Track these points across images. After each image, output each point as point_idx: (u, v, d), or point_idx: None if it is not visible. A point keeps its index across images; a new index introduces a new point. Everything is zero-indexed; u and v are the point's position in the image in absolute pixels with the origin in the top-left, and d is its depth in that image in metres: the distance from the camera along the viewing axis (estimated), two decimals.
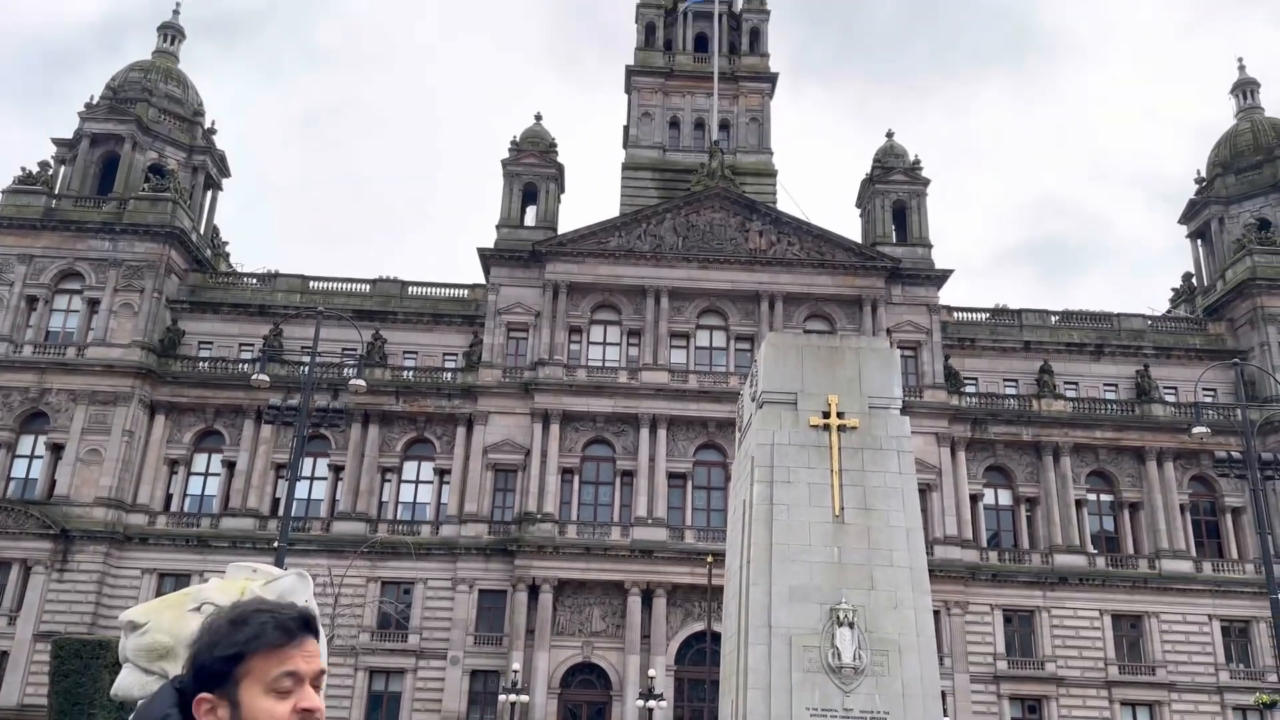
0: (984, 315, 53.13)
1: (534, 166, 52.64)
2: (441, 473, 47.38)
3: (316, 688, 1.88)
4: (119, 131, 50.86)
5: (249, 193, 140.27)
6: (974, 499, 47.27)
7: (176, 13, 57.92)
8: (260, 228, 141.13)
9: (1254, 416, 37.04)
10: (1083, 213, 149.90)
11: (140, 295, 47.60)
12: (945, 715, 26.43)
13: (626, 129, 60.21)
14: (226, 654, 1.81)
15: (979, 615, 44.70)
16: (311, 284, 51.89)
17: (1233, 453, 32.28)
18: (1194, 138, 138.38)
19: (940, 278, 50.55)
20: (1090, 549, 46.84)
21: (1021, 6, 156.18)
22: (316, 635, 1.97)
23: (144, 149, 51.40)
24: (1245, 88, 58.15)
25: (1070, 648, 44.58)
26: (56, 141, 51.49)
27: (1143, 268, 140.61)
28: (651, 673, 40.76)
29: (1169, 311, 55.87)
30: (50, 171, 50.30)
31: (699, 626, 42.42)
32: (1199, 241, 56.75)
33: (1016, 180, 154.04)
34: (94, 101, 51.77)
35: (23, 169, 49.54)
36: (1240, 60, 59.14)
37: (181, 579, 43.50)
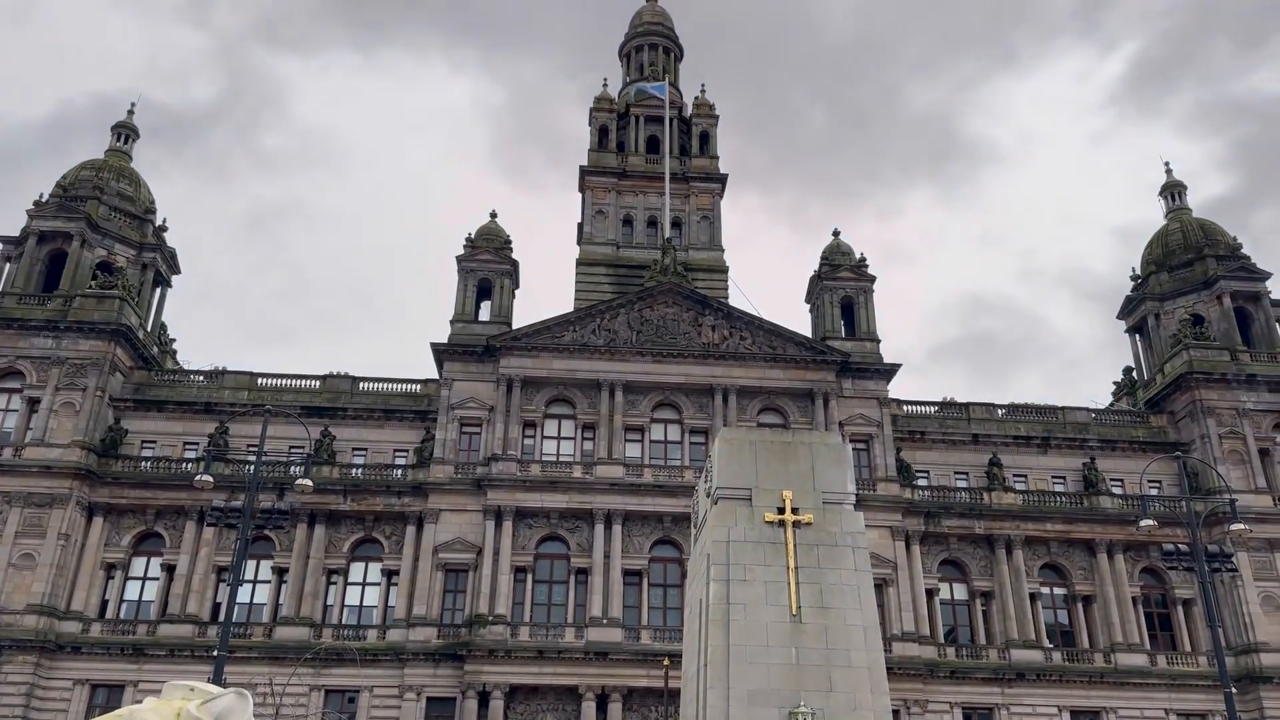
0: (932, 409, 53.95)
1: (488, 263, 53.17)
2: (389, 574, 46.38)
3: None
4: (68, 229, 50.54)
5: (197, 291, 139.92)
6: (930, 593, 47.28)
7: (131, 112, 58.45)
8: (208, 326, 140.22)
9: (1199, 509, 37.71)
10: (1013, 310, 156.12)
11: (83, 394, 46.72)
12: None
13: (580, 226, 61.40)
14: None
15: (938, 714, 44.30)
16: (259, 381, 51.38)
17: (1180, 545, 32.67)
18: (1116, 238, 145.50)
19: (889, 371, 51.49)
20: (1046, 643, 46.81)
21: (943, 118, 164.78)
22: None
23: (93, 246, 51.05)
24: (1173, 189, 60.86)
25: None
26: (2, 239, 50.92)
27: (1075, 363, 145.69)
28: None
29: (1111, 405, 57.29)
30: None
31: None
32: (1137, 336, 58.35)
33: (947, 281, 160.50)
34: (43, 199, 51.52)
35: None
36: (1167, 164, 62.04)
37: (115, 690, 41.84)
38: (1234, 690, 28.18)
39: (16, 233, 50.97)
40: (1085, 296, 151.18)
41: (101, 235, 51.58)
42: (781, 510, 21.72)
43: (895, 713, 32.11)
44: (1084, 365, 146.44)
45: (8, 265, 50.34)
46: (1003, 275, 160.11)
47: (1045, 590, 48.34)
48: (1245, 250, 56.38)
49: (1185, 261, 56.38)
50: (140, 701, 4.45)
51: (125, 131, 57.75)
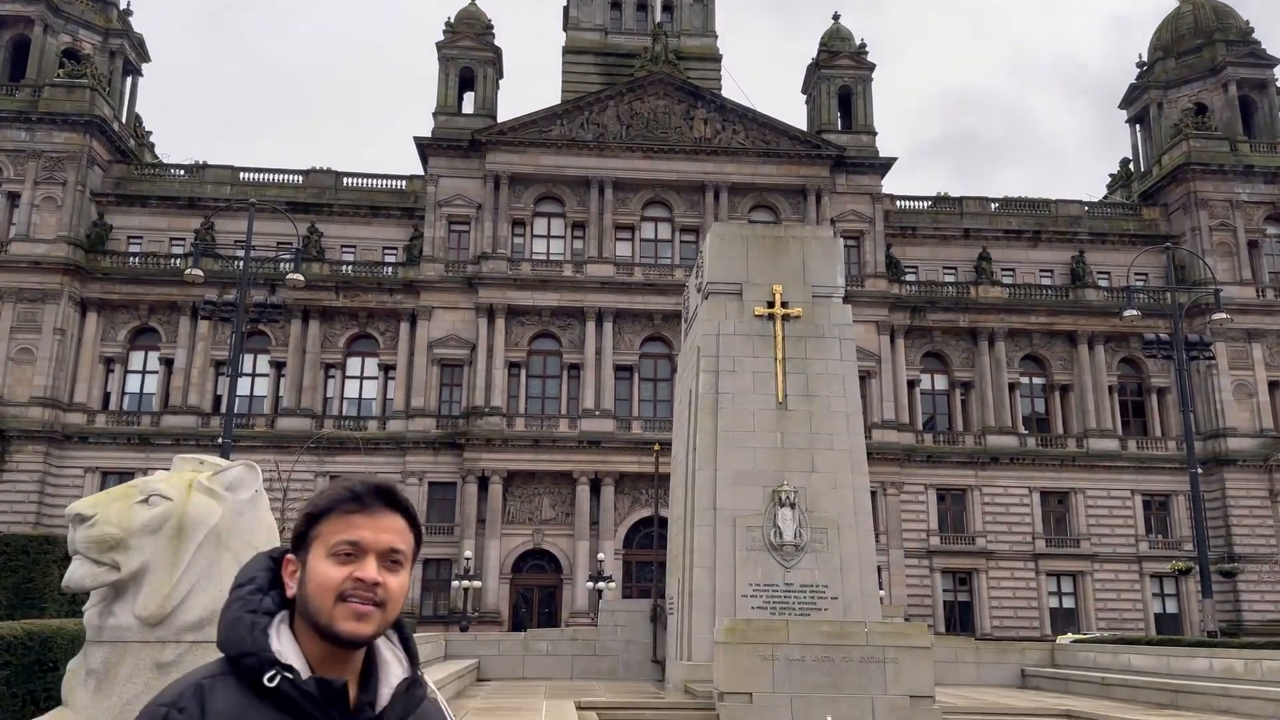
0: (925, 204, 53.73)
1: (470, 50, 51.27)
2: (386, 368, 47.55)
3: (397, 564, 1.80)
4: (27, 13, 48.11)
5: (170, 82, 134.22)
6: (911, 384, 48.81)
7: None
8: (183, 118, 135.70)
9: (1182, 299, 38.36)
10: (1001, 106, 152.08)
11: (63, 188, 46.07)
12: (880, 588, 28.02)
13: (566, 10, 58.60)
14: (305, 513, 1.83)
15: (914, 494, 46.72)
16: (242, 175, 50.61)
17: (1161, 335, 33.65)
18: (1111, 28, 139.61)
19: (884, 165, 50.97)
20: (1021, 430, 48.74)
21: None
22: (401, 512, 1.85)
23: (56, 32, 48.76)
24: None
25: (1000, 523, 46.91)
26: None
27: (1062, 161, 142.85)
28: (600, 557, 42.29)
29: (1106, 198, 56.95)
30: None
31: (646, 512, 43.50)
32: (1137, 127, 57.44)
33: (934, 76, 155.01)
34: None
35: None
36: None
37: (125, 476, 43.16)
38: (1199, 471, 29.73)
39: None
40: (1077, 91, 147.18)
41: (64, 20, 49.16)
42: (771, 304, 22.19)
43: (873, 493, 33.67)
44: (1072, 163, 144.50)
45: None
46: (993, 69, 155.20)
47: (1024, 380, 49.79)
48: (1256, 36, 54.55)
49: (1194, 47, 54.59)
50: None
51: None
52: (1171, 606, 46.41)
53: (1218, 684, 17.79)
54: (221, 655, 1.76)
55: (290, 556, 1.83)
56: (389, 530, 1.80)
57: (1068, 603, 46.55)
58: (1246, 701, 16.44)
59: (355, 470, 44.70)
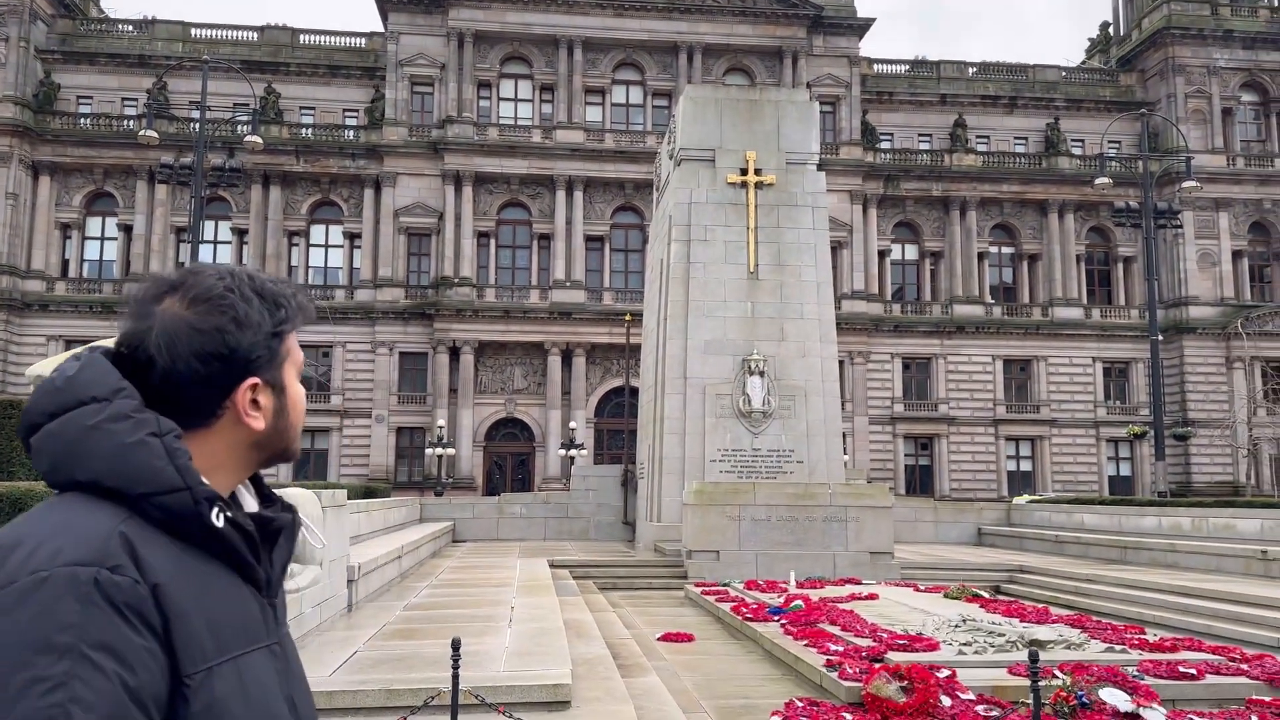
0: (903, 68, 52.76)
1: None
2: (351, 236, 46.97)
3: None
4: None
5: None
6: (882, 254, 48.91)
7: None
8: None
9: (1154, 168, 38.43)
10: None
11: (5, 44, 43.90)
12: (844, 453, 28.79)
13: None
14: (275, 329, 1.54)
15: (880, 363, 47.51)
16: (194, 32, 48.60)
17: (1131, 203, 33.92)
18: None
19: (863, 27, 49.68)
20: (988, 299, 49.30)
21: None
22: None
23: None
24: None
25: (963, 391, 47.96)
26: None
27: (1033, 26, 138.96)
28: (572, 425, 43.02)
29: (1084, 63, 56.15)
30: None
31: (617, 382, 44.08)
32: None
33: None
34: None
35: None
36: None
37: (88, 344, 43.21)
38: (1160, 339, 30.45)
39: None
40: None
41: None
42: (744, 171, 22.07)
43: (840, 362, 34.20)
44: (1052, 28, 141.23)
45: None
46: None
47: (994, 250, 50.08)
48: None
49: None
50: None
51: None
52: (1125, 470, 48.14)
53: (1165, 540, 18.75)
54: (78, 492, 1.39)
55: (256, 380, 1.51)
56: None
57: (1025, 466, 48.10)
58: (1191, 556, 17.37)
59: (325, 341, 44.76)
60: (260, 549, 1.47)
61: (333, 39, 49.80)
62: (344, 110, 48.19)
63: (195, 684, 1.29)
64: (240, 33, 49.18)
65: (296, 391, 1.57)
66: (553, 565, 17.51)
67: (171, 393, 1.45)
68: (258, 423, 1.50)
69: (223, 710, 1.31)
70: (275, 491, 1.62)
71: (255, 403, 1.50)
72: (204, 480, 1.41)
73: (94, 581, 1.24)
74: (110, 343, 1.65)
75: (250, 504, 1.57)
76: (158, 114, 42.02)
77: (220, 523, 1.38)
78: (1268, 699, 8.59)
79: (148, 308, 1.50)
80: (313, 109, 47.98)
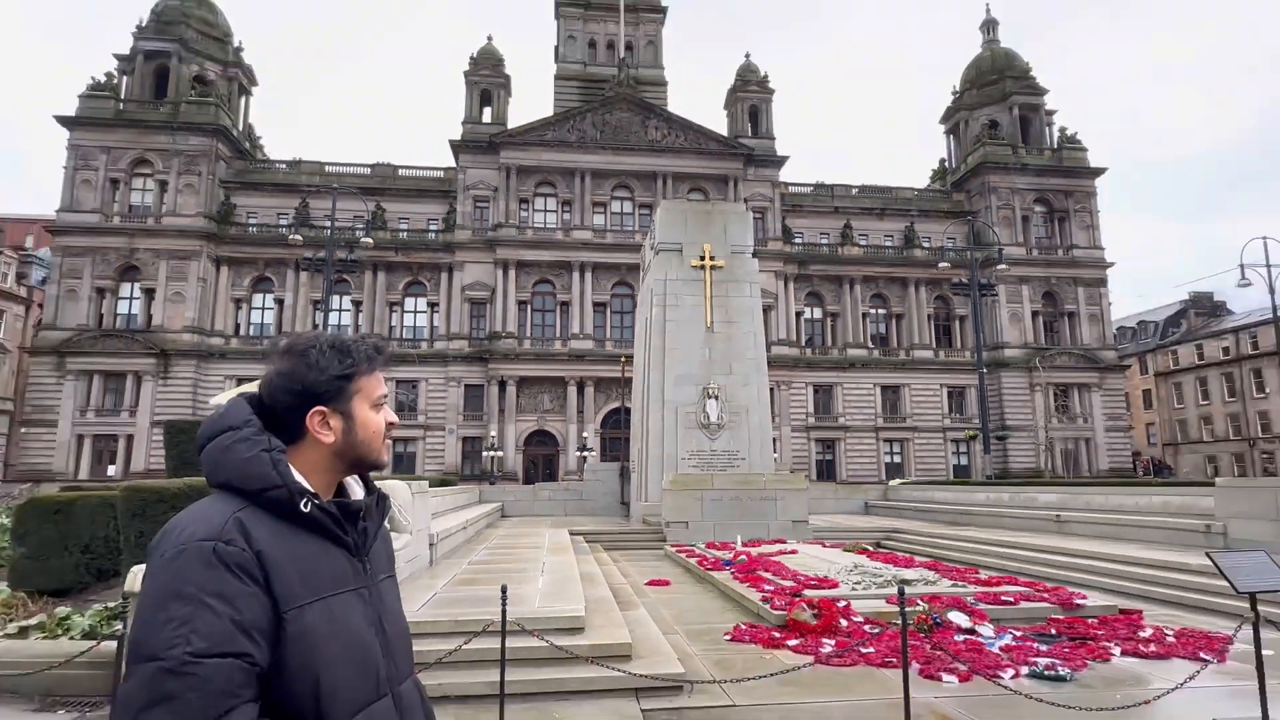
0: (809, 188, 53.39)
1: (488, 77, 49.52)
2: (432, 305, 46.96)
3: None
4: (166, 48, 45.52)
5: (278, 95, 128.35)
6: (798, 314, 49.20)
7: None
8: (284, 123, 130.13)
9: (978, 256, 39.07)
10: (855, 124, 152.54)
11: (199, 178, 44.27)
12: (774, 452, 28.68)
13: (557, 49, 56.56)
14: (340, 372, 1.51)
15: (797, 389, 47.60)
16: (326, 167, 48.92)
17: (962, 279, 34.34)
18: (928, 75, 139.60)
19: (780, 161, 50.45)
20: (869, 345, 49.49)
21: None
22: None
23: (188, 62, 46.18)
24: (989, 25, 57.12)
25: (853, 408, 48.04)
26: (117, 57, 45.77)
27: (896, 161, 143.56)
28: (584, 434, 42.85)
29: (928, 186, 57.02)
30: (115, 81, 45.05)
31: (616, 405, 43.92)
32: (951, 137, 57.01)
33: (798, 101, 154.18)
34: (143, 24, 45.91)
35: (92, 79, 44.17)
36: (988, 5, 57.87)
37: (253, 380, 43.00)
38: (985, 371, 30.64)
39: (127, 52, 45.80)
40: (897, 118, 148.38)
41: (193, 54, 46.53)
42: (702, 258, 22.19)
43: (771, 389, 34.24)
44: (901, 162, 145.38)
45: (125, 79, 45.59)
46: (836, 100, 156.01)
47: (873, 310, 50.30)
48: (1033, 74, 54.27)
49: (990, 81, 54.20)
50: None
51: None
52: (964, 461, 48.22)
53: (991, 509, 18.77)
54: (218, 491, 1.43)
55: (321, 409, 1.49)
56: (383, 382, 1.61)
57: (897, 459, 48.12)
58: (1009, 519, 17.40)
59: (413, 377, 44.65)
60: (345, 525, 1.47)
61: (420, 171, 50.11)
62: (428, 219, 48.46)
63: (291, 616, 1.33)
64: (358, 168, 49.53)
65: (364, 417, 1.51)
66: (572, 533, 17.39)
67: (276, 419, 1.48)
68: (326, 438, 1.49)
69: (313, 632, 1.34)
70: (376, 484, 1.62)
71: (326, 424, 1.49)
72: (301, 480, 1.44)
73: (213, 550, 1.29)
74: (255, 386, 1.72)
75: (358, 493, 1.56)
76: (301, 224, 42.30)
77: (307, 509, 1.40)
78: (1061, 617, 8.63)
79: (270, 363, 1.56)
80: (406, 219, 48.22)
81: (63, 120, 43.40)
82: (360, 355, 1.54)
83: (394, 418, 1.58)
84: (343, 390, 1.51)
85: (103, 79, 44.88)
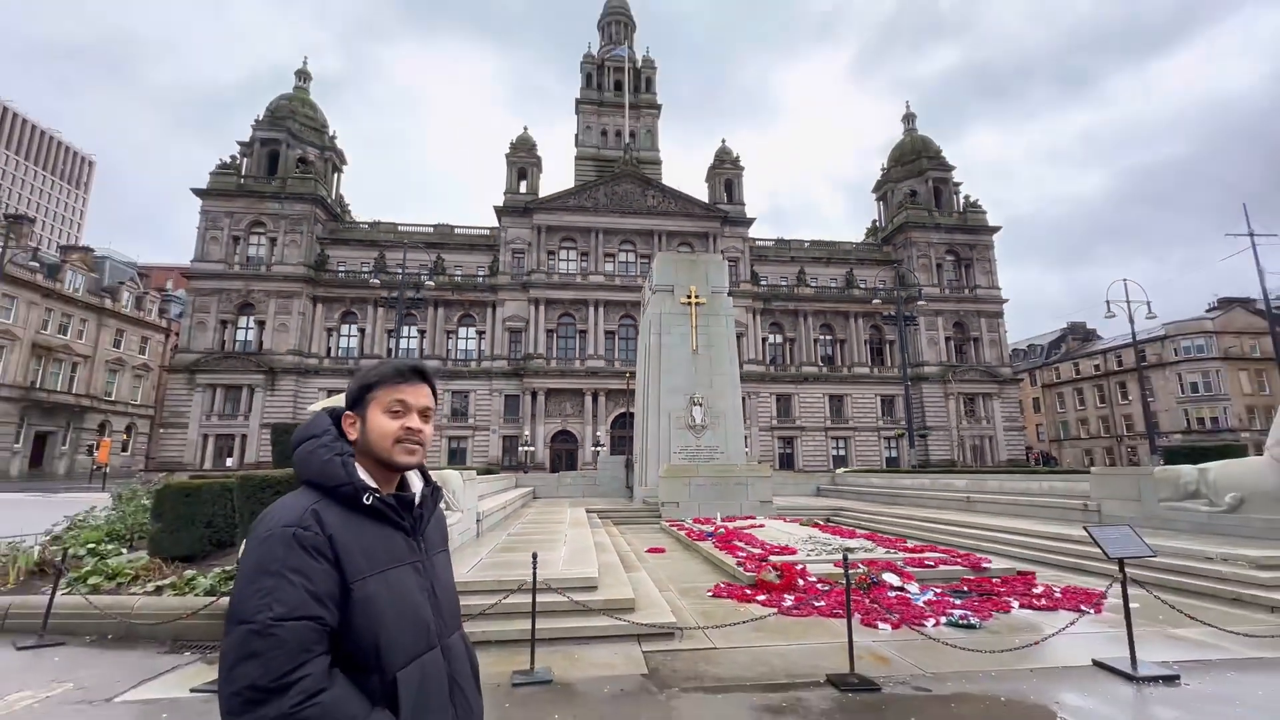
0: (771, 242, 53.53)
1: (524, 158, 49.97)
2: (480, 334, 46.88)
3: (428, 417, 1.50)
4: (277, 136, 46.02)
5: (361, 168, 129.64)
6: (764, 340, 49.08)
7: (305, 63, 51.39)
8: (366, 189, 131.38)
9: (903, 294, 39.19)
10: (806, 196, 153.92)
11: (300, 235, 44.48)
12: (746, 447, 28.51)
13: (576, 136, 57.29)
14: (361, 384, 1.50)
15: (764, 398, 47.34)
16: (399, 226, 49.19)
17: (890, 314, 34.36)
18: (858, 155, 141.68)
19: (749, 221, 50.63)
20: (820, 364, 49.24)
21: (758, 85, 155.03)
22: (428, 383, 1.55)
23: (293, 147, 46.70)
24: (909, 118, 57.78)
25: (808, 413, 47.68)
26: (240, 143, 46.28)
27: (833, 222, 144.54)
28: (598, 434, 42.61)
29: (864, 240, 57.22)
30: (237, 161, 45.55)
31: (622, 410, 43.75)
32: (881, 203, 57.16)
33: (761, 178, 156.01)
34: (260, 119, 46.57)
35: (220, 160, 44.71)
36: (908, 102, 58.54)
37: (340, 393, 42.75)
38: (910, 384, 30.50)
39: (247, 139, 46.38)
40: (839, 188, 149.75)
41: (298, 141, 47.04)
42: (689, 297, 22.19)
43: (743, 398, 34.44)
44: (845, 221, 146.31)
45: (246, 160, 46.05)
46: (792, 174, 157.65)
47: (822, 337, 50.03)
48: (944, 155, 54.74)
49: (911, 159, 54.61)
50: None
51: (305, 75, 51.13)
52: (894, 454, 47.82)
53: (916, 492, 18.59)
54: (304, 485, 1.41)
55: (350, 414, 1.48)
56: (424, 396, 1.52)
57: (841, 453, 47.70)
58: (931, 500, 17.23)
59: (465, 389, 44.53)
60: (402, 512, 1.44)
61: (472, 230, 50.31)
62: (477, 266, 48.57)
63: (356, 586, 1.32)
64: (423, 226, 49.77)
65: (374, 421, 1.45)
66: (587, 511, 17.24)
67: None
68: (352, 437, 1.47)
69: (375, 598, 1.33)
70: (432, 477, 1.60)
71: (353, 426, 1.47)
72: (366, 478, 1.42)
73: (293, 535, 1.29)
74: (339, 399, 1.69)
75: (417, 485, 1.53)
76: (379, 270, 42.48)
77: (369, 501, 1.39)
78: (972, 577, 8.51)
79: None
80: (460, 266, 48.32)
81: (197, 191, 43.82)
82: (384, 371, 1.50)
83: (416, 424, 1.47)
84: (361, 398, 1.48)
85: (228, 160, 45.38)
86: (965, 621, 6.36)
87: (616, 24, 63.57)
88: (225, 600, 5.82)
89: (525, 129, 51.80)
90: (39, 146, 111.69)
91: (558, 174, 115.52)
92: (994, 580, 8.31)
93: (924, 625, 6.18)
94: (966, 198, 52.90)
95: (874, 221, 58.16)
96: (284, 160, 46.10)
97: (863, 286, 50.92)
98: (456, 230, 49.99)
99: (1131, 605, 5.21)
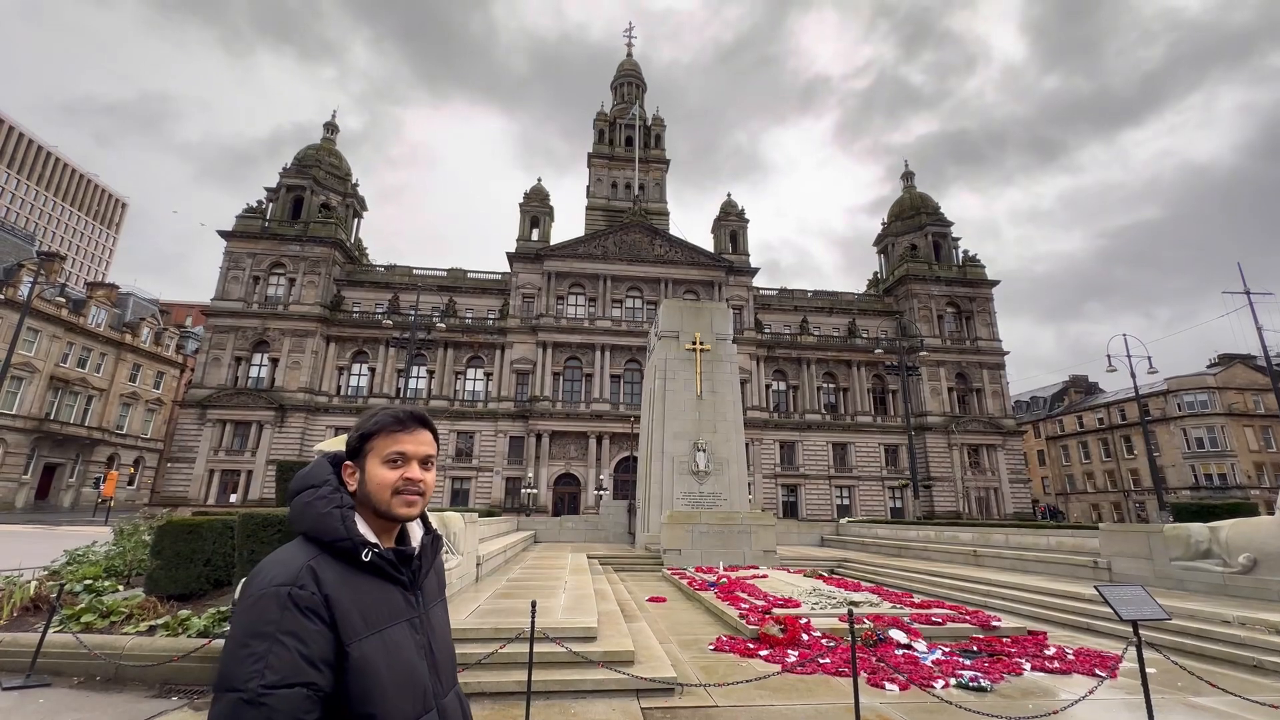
0: (775, 291, 54.16)
1: (536, 207, 51.34)
2: (488, 374, 46.97)
3: (426, 467, 1.44)
4: (303, 184, 47.57)
5: (376, 218, 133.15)
6: (767, 386, 48.95)
7: (334, 115, 53.94)
8: (383, 237, 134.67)
9: (905, 344, 39.28)
10: (798, 249, 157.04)
11: (319, 277, 45.40)
12: (749, 495, 27.99)
13: (588, 188, 59.02)
14: (359, 433, 1.44)
15: (768, 445, 46.85)
16: (413, 270, 50.15)
17: (893, 363, 34.29)
18: (851, 213, 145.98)
19: (753, 270, 51.33)
20: (823, 412, 48.97)
21: (748, 147, 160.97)
22: (429, 429, 1.48)
23: (317, 194, 48.24)
24: (909, 175, 59.45)
25: (811, 461, 47.05)
26: (267, 189, 47.81)
27: (827, 275, 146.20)
28: (601, 477, 42.03)
29: (865, 292, 57.74)
30: (263, 206, 46.95)
31: (625, 454, 43.44)
32: (882, 256, 57.98)
33: (760, 232, 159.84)
34: (287, 166, 48.32)
35: (246, 204, 46.27)
36: (906, 161, 60.36)
37: (347, 431, 42.64)
38: (914, 433, 30.16)
39: (274, 185, 47.98)
40: (835, 241, 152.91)
41: (322, 188, 48.64)
42: (694, 343, 22.29)
43: (747, 444, 33.89)
44: (848, 273, 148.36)
45: (271, 205, 47.47)
46: (784, 229, 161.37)
47: (825, 385, 49.97)
48: (942, 210, 55.92)
49: (910, 214, 55.76)
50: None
51: (332, 126, 53.34)
52: (899, 504, 46.88)
53: (922, 544, 18.09)
54: (300, 537, 1.34)
55: (349, 464, 1.43)
56: (424, 443, 1.45)
57: (845, 502, 46.78)
58: (937, 553, 16.74)
59: (470, 430, 44.33)
60: (399, 567, 1.38)
61: (483, 274, 51.15)
62: (487, 310, 49.13)
63: (352, 648, 1.27)
64: (435, 271, 50.66)
65: (372, 471, 1.40)
66: (588, 557, 16.82)
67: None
68: (350, 485, 1.41)
69: (370, 660, 1.27)
70: (433, 523, 1.52)
71: (352, 476, 1.42)
72: (365, 532, 1.36)
73: (288, 595, 1.24)
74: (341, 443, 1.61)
75: (418, 534, 1.47)
76: (392, 312, 43.06)
77: (367, 558, 1.33)
78: (981, 636, 8.18)
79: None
80: (472, 309, 48.88)
81: (223, 233, 45.10)
82: (383, 420, 1.45)
83: (416, 473, 1.41)
84: (360, 448, 1.43)
85: (254, 204, 46.83)
86: (976, 684, 6.05)
87: (628, 85, 66.57)
88: (218, 643, 5.64)
89: (539, 180, 53.53)
90: (77, 188, 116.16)
91: (562, 224, 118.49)
92: (1004, 640, 7.97)
93: (933, 686, 5.88)
94: (965, 252, 53.69)
95: (875, 273, 58.76)
96: (308, 205, 47.46)
97: (865, 336, 51.04)
98: (469, 274, 50.79)
99: (1148, 670, 4.96)
